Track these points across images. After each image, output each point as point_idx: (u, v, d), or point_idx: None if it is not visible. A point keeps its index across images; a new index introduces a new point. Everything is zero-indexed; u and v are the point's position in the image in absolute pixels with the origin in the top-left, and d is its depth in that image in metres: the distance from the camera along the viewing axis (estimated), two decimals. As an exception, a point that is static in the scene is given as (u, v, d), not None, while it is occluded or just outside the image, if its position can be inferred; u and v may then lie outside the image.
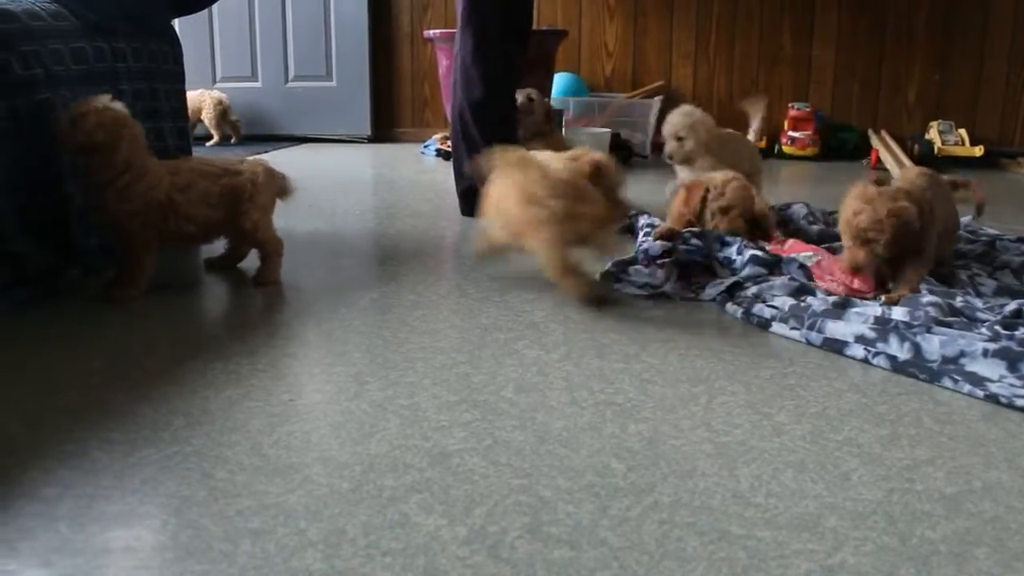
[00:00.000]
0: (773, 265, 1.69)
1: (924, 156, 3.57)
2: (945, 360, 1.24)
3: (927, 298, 1.43)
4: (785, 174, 3.46)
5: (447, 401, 1.13)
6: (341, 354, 1.30)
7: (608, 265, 1.72)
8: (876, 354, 1.28)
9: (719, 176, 1.92)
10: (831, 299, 1.50)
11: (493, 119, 2.17)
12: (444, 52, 3.56)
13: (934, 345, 1.26)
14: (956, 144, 3.67)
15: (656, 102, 3.90)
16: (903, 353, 1.27)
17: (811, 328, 1.37)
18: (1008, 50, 3.88)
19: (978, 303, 1.45)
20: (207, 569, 0.75)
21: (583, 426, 1.05)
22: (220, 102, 4.00)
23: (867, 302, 1.48)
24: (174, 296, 1.62)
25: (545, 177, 1.53)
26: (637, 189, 2.81)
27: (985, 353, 1.22)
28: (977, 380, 1.18)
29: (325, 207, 2.55)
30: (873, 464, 0.96)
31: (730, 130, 2.40)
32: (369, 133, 4.36)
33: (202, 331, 1.46)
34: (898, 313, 1.38)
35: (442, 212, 2.49)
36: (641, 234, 1.98)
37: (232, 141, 4.11)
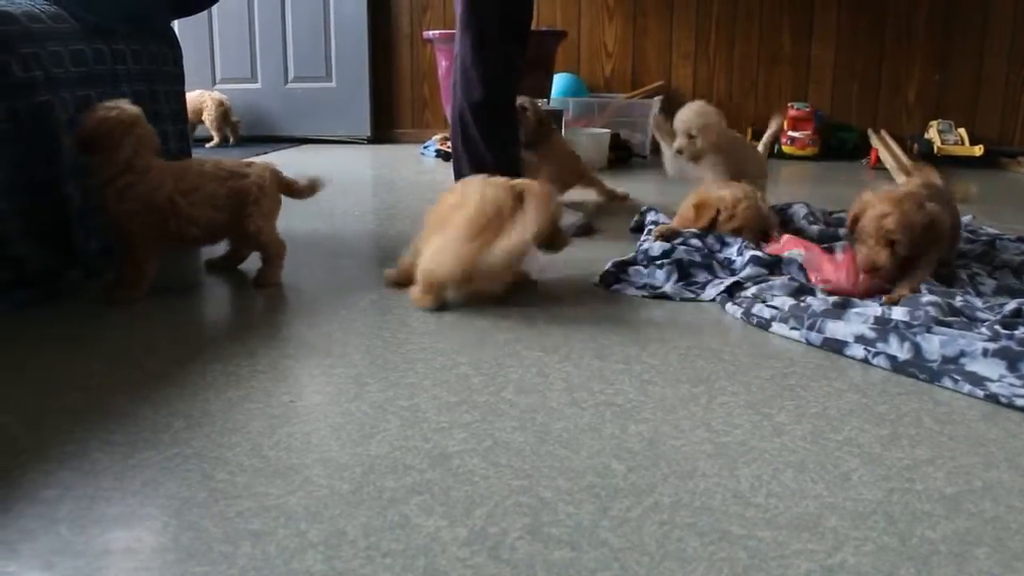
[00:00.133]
0: (773, 265, 1.69)
1: (924, 156, 3.57)
2: (945, 360, 1.24)
3: (927, 298, 1.44)
4: (785, 174, 3.46)
5: (447, 402, 1.13)
6: (341, 355, 1.30)
7: (608, 265, 1.72)
8: (876, 354, 1.28)
9: (728, 195, 1.88)
10: (831, 299, 1.50)
11: (493, 120, 2.16)
12: (443, 53, 3.56)
13: (934, 345, 1.26)
14: (956, 144, 3.67)
15: (656, 102, 3.90)
16: (903, 353, 1.27)
17: (811, 328, 1.37)
18: (1008, 49, 3.88)
19: (978, 302, 1.45)
20: (207, 571, 0.75)
21: (583, 427, 1.05)
22: (221, 103, 3.99)
23: (867, 302, 1.49)
24: (174, 298, 1.62)
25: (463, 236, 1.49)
26: (637, 189, 2.81)
27: (985, 353, 1.22)
28: (977, 380, 1.18)
29: (325, 208, 2.55)
30: (873, 464, 0.96)
31: (738, 134, 2.39)
32: (369, 134, 4.36)
33: (202, 333, 1.46)
34: (898, 313, 1.38)
35: (442, 213, 2.49)
36: (645, 232, 1.99)
37: (230, 142, 4.10)
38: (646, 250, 1.75)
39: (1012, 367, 1.19)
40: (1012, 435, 1.05)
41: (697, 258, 1.72)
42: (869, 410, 1.11)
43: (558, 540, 0.80)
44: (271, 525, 0.83)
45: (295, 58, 4.32)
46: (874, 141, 3.73)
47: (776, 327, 1.42)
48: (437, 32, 3.63)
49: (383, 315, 1.50)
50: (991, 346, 1.22)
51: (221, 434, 1.02)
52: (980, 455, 0.99)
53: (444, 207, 1.59)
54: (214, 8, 3.58)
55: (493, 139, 2.16)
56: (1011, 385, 1.16)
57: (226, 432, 1.03)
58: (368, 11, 4.22)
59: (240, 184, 1.61)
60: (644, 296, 1.63)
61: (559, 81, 3.92)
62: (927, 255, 1.55)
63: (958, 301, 1.45)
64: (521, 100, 2.32)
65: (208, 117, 3.97)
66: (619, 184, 2.76)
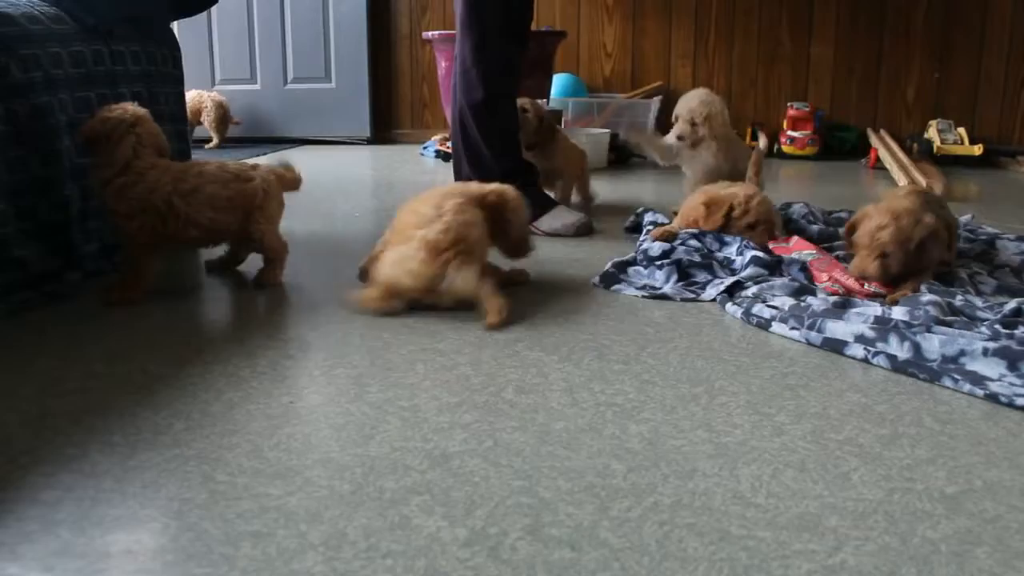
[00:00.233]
0: (773, 265, 1.69)
1: (923, 155, 3.57)
2: (945, 359, 1.24)
3: (927, 297, 1.44)
4: (784, 174, 3.46)
5: (447, 403, 1.13)
6: (341, 356, 1.30)
7: (608, 265, 1.72)
8: (876, 354, 1.28)
9: (739, 190, 1.87)
10: (831, 299, 1.50)
11: (493, 120, 2.17)
12: (443, 53, 3.56)
13: (934, 344, 1.26)
14: (955, 143, 3.67)
15: (655, 102, 3.91)
16: (903, 353, 1.27)
17: (811, 328, 1.37)
18: (1007, 48, 3.89)
19: (978, 302, 1.45)
20: (208, 572, 0.75)
21: (583, 427, 1.05)
22: (220, 104, 3.99)
23: (867, 302, 1.49)
24: (174, 299, 1.62)
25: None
26: (638, 189, 2.81)
27: (985, 352, 1.22)
28: (977, 379, 1.18)
29: (325, 209, 2.55)
30: (874, 464, 0.96)
31: (735, 134, 2.40)
32: (368, 135, 4.36)
33: (202, 333, 1.46)
34: (898, 313, 1.38)
35: (442, 213, 2.48)
36: (643, 232, 1.99)
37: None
38: (646, 250, 1.75)
39: (1012, 366, 1.19)
40: (1012, 434, 1.04)
41: (697, 258, 1.72)
42: (869, 410, 1.11)
43: (558, 540, 0.80)
44: (271, 526, 0.83)
45: (294, 59, 4.32)
46: (873, 141, 3.74)
47: (776, 327, 1.42)
48: (437, 33, 3.63)
49: (383, 315, 1.50)
50: (991, 345, 1.22)
51: (221, 435, 1.02)
52: (981, 454, 0.99)
53: (410, 215, 1.57)
54: (213, 9, 3.58)
55: (493, 140, 2.16)
56: (1011, 384, 1.16)
57: (226, 433, 1.03)
58: (367, 12, 4.22)
59: (244, 188, 1.60)
60: (644, 296, 1.63)
61: (558, 81, 3.93)
62: (927, 269, 1.55)
63: (958, 301, 1.45)
64: (522, 102, 2.32)
65: (207, 118, 3.97)
66: (619, 184, 2.76)
